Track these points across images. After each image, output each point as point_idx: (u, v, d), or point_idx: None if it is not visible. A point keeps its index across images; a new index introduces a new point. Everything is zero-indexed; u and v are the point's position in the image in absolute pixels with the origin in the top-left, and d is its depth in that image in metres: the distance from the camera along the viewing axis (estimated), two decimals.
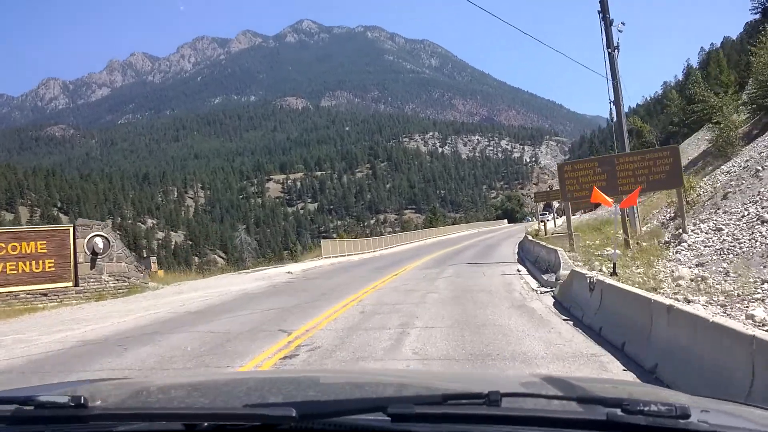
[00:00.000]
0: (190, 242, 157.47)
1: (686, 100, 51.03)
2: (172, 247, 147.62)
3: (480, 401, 1.32)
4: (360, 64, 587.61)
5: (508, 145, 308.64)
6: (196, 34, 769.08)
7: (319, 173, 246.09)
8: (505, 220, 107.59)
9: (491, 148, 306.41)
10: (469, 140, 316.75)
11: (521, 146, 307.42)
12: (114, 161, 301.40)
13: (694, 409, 1.23)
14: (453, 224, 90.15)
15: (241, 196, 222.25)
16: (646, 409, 1.19)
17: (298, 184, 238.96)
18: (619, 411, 1.20)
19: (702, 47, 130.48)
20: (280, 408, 1.31)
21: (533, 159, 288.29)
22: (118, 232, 37.45)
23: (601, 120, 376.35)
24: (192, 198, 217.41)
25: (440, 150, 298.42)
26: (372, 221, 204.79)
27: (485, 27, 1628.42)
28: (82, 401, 1.37)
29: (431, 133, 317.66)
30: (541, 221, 39.71)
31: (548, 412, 1.36)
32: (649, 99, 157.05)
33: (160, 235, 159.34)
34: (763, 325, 5.75)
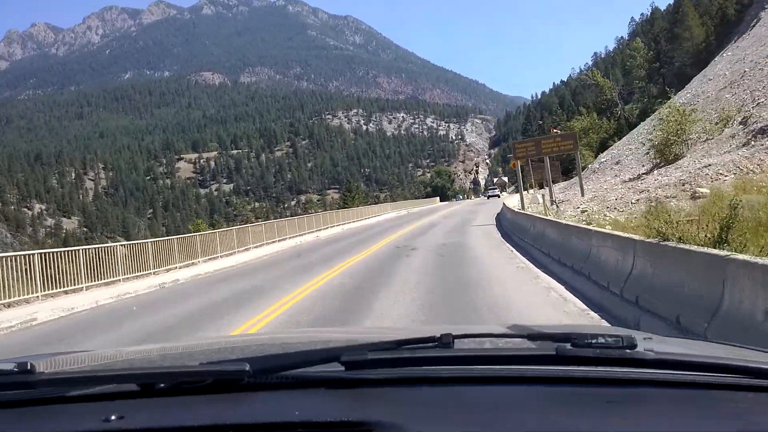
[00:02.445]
0: (86, 229, 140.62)
1: (654, 51, 43.75)
2: (63, 235, 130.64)
3: (432, 344, 1.34)
4: (281, 39, 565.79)
5: (433, 123, 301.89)
6: (104, 3, 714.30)
7: (235, 152, 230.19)
8: (437, 198, 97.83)
9: (416, 126, 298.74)
10: (394, 118, 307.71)
11: (447, 124, 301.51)
12: (8, 140, 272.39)
13: (640, 340, 1.27)
14: (376, 203, 77.99)
15: (148, 177, 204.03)
16: (594, 341, 1.22)
17: (212, 163, 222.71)
18: (568, 345, 1.23)
19: None
20: (234, 363, 1.31)
21: (459, 137, 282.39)
22: None
23: (521, 100, 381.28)
24: (92, 180, 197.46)
25: (364, 128, 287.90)
26: (293, 202, 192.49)
27: (409, 4, 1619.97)
28: (29, 367, 1.32)
29: (355, 111, 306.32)
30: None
31: (499, 350, 1.40)
32: (611, 51, 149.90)
33: (50, 221, 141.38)
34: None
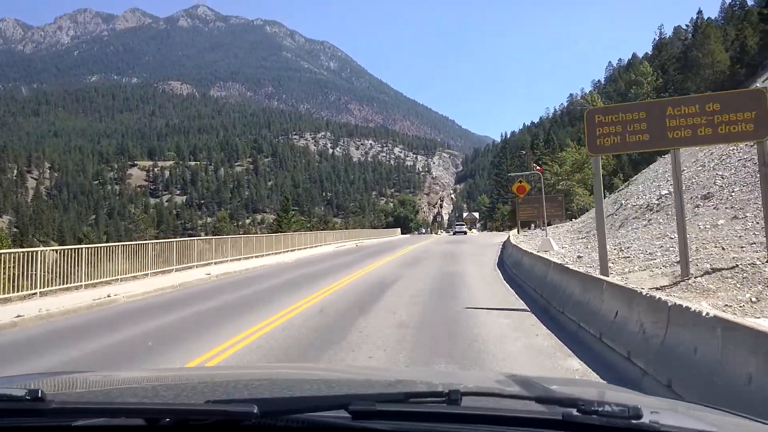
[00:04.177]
0: (16, 230, 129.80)
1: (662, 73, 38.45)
2: None
3: (441, 399, 1.34)
4: (256, 58, 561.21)
5: (401, 152, 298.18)
6: (78, 5, 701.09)
7: (192, 163, 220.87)
8: (398, 230, 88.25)
9: (384, 154, 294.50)
10: (362, 144, 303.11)
11: (414, 155, 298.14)
12: None
13: (645, 409, 1.27)
14: (322, 230, 64.70)
15: (96, 182, 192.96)
16: (601, 409, 1.22)
17: (167, 173, 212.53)
18: (574, 411, 1.23)
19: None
20: (241, 404, 1.29)
21: (426, 169, 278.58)
22: None
23: (489, 139, 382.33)
24: (36, 179, 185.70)
25: (331, 151, 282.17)
26: (248, 221, 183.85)
27: (385, 36, 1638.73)
28: (40, 395, 1.33)
29: (323, 133, 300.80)
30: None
31: (507, 411, 1.37)
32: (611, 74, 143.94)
33: None
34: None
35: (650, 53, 58.41)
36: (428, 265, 20.03)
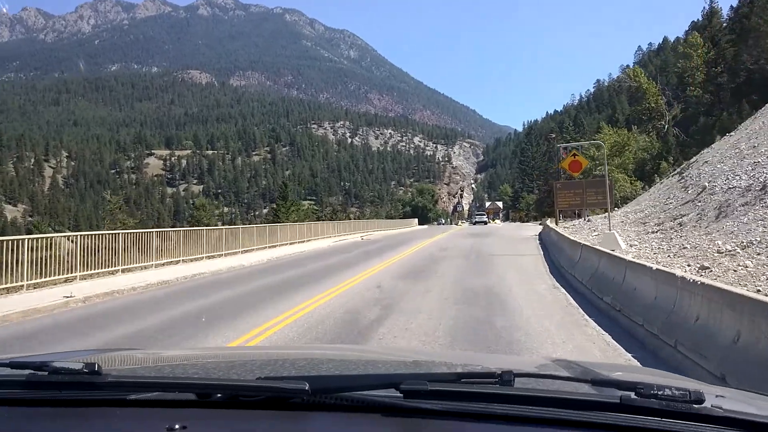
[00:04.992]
0: (30, 219, 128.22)
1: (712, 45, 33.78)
2: (1, 225, 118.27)
3: (493, 380, 1.32)
4: (276, 47, 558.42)
5: (421, 142, 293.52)
6: None
7: (210, 152, 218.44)
8: (415, 220, 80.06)
9: (403, 143, 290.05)
10: (381, 133, 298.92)
11: (434, 145, 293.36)
12: None
13: (708, 395, 1.22)
14: (333, 219, 56.61)
15: (113, 171, 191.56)
16: (660, 393, 1.18)
17: (184, 162, 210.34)
18: (632, 394, 1.20)
19: None
20: (293, 381, 1.30)
21: (446, 158, 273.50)
22: None
23: (510, 129, 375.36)
24: (53, 168, 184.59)
25: (350, 140, 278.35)
26: (265, 210, 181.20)
27: (406, 24, 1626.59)
28: (96, 368, 1.38)
29: (342, 122, 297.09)
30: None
31: (561, 393, 1.35)
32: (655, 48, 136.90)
33: None
34: None
35: (699, 21, 52.52)
36: (445, 273, 14.02)
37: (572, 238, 15.28)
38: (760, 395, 1.64)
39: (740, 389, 1.68)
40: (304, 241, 29.36)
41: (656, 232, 16.38)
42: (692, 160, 25.20)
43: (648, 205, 23.85)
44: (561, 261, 14.61)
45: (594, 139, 53.65)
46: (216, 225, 66.47)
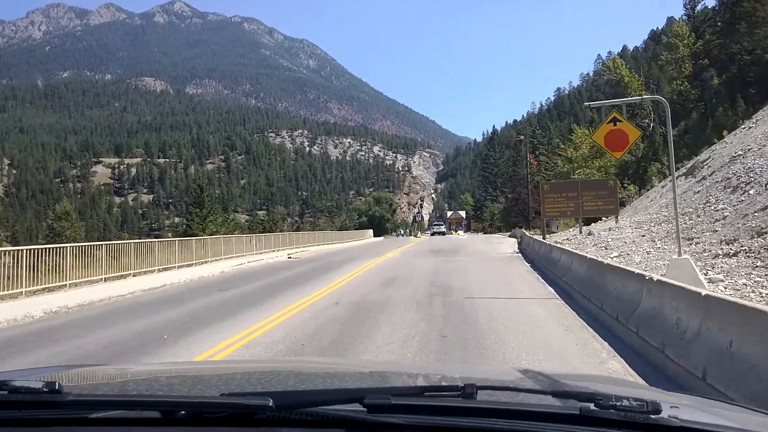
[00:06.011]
0: None
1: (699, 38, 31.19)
2: None
3: (456, 393, 1.32)
4: (233, 55, 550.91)
5: (380, 151, 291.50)
6: (50, 0, 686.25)
7: (161, 160, 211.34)
8: (370, 231, 74.59)
9: (363, 153, 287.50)
10: (340, 142, 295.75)
11: (394, 154, 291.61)
12: None
13: (664, 404, 1.25)
14: (263, 231, 51.68)
15: (58, 179, 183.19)
16: (619, 404, 1.20)
17: (134, 171, 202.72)
18: (592, 405, 1.21)
19: None
20: (257, 397, 1.29)
21: (406, 168, 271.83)
22: None
23: (469, 139, 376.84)
24: None
25: (308, 149, 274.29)
26: (219, 219, 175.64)
27: (366, 35, 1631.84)
28: (57, 387, 1.36)
29: (300, 131, 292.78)
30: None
31: (522, 405, 1.37)
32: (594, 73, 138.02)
33: None
34: None
35: (683, 13, 50.74)
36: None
37: (630, 268, 8.20)
38: (716, 401, 1.67)
39: (697, 396, 1.69)
40: (180, 267, 20.64)
41: (736, 254, 10.57)
42: (705, 157, 21.53)
43: (662, 212, 19.10)
44: (611, 309, 7.59)
45: (570, 140, 48.50)
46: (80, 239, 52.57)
